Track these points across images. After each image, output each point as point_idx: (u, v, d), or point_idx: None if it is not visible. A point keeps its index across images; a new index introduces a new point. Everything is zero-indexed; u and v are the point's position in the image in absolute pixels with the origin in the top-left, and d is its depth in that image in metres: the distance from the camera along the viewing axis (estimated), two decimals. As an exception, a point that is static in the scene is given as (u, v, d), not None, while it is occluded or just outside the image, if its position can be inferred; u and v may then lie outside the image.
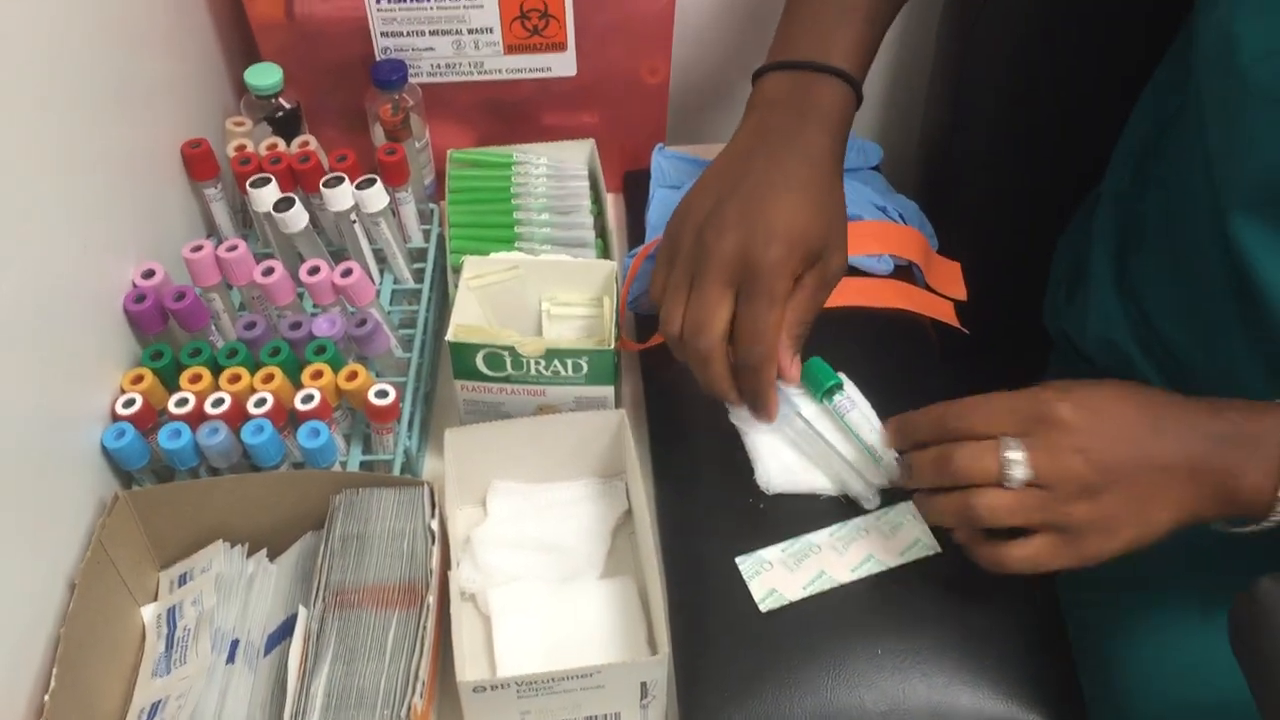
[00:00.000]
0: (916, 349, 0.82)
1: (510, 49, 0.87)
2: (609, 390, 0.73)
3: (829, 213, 0.68)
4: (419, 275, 0.84)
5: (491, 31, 0.86)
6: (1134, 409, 0.58)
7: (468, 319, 0.74)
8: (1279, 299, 0.61)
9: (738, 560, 0.68)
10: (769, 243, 0.64)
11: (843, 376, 0.72)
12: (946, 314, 0.84)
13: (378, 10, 0.84)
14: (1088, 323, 0.79)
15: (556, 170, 0.89)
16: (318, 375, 0.70)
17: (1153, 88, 0.77)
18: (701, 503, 0.72)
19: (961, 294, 0.86)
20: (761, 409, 0.70)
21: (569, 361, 0.71)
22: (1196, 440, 0.57)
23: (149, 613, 0.68)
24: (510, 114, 0.93)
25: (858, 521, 0.70)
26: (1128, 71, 0.78)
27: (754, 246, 0.64)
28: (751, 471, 0.72)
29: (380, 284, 0.83)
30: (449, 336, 0.71)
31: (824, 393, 0.72)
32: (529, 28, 0.85)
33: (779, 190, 0.67)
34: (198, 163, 0.79)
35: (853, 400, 0.72)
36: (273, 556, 0.69)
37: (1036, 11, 0.84)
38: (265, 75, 0.82)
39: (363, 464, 0.73)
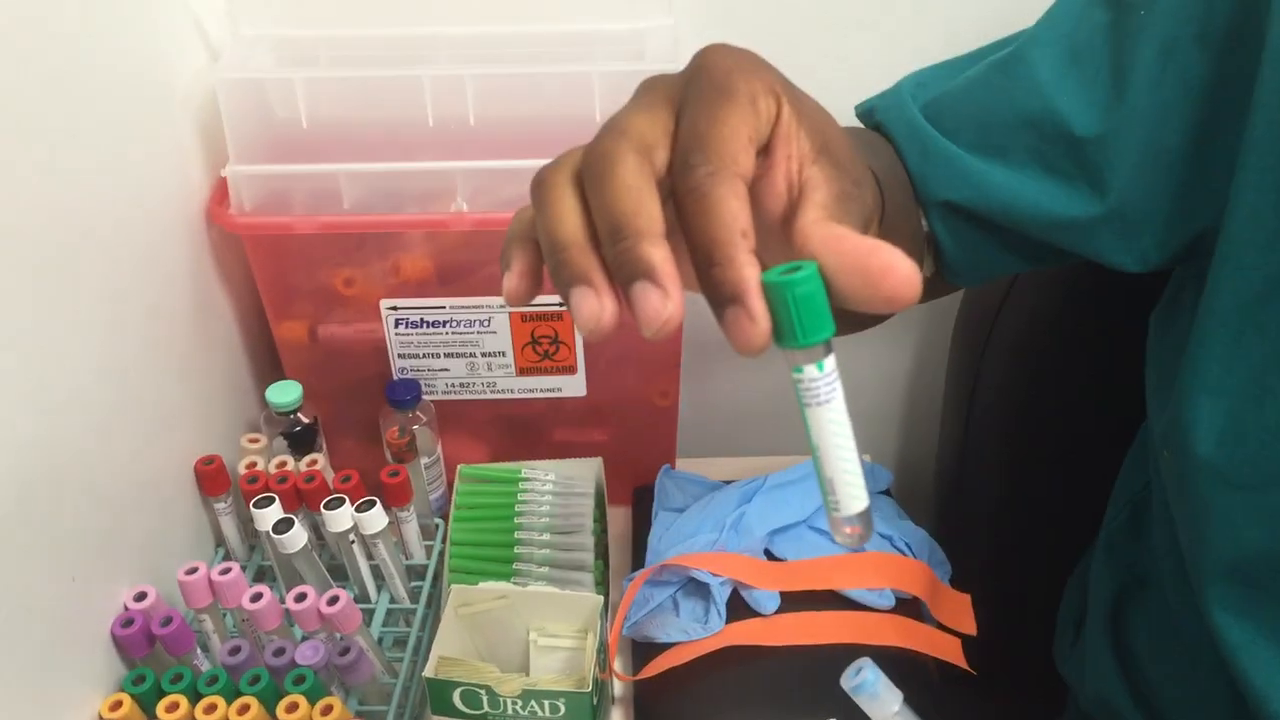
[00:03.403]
0: (914, 688, 0.79)
1: (522, 371, 0.90)
2: (587, 732, 0.71)
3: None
4: (416, 593, 0.84)
5: (504, 355, 0.89)
6: None
7: (453, 648, 0.74)
8: (1259, 683, 0.58)
9: None
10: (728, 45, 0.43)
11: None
12: (952, 653, 0.81)
13: (396, 335, 0.88)
14: (1085, 674, 0.76)
15: (564, 487, 0.90)
16: (293, 708, 0.69)
17: (1140, 442, 0.76)
18: None
19: (971, 629, 0.83)
20: (734, 289, 0.36)
21: (546, 702, 0.70)
22: None
23: None
24: (522, 430, 0.95)
25: None
26: (1132, 416, 0.78)
27: (703, 49, 0.43)
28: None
29: (377, 602, 0.83)
30: (425, 672, 0.70)
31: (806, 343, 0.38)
32: (540, 352, 0.89)
33: None
34: (209, 479, 0.82)
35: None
36: None
37: (1041, 349, 0.86)
38: (285, 393, 0.86)
39: (333, 801, 0.71)
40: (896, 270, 0.36)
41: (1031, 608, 0.88)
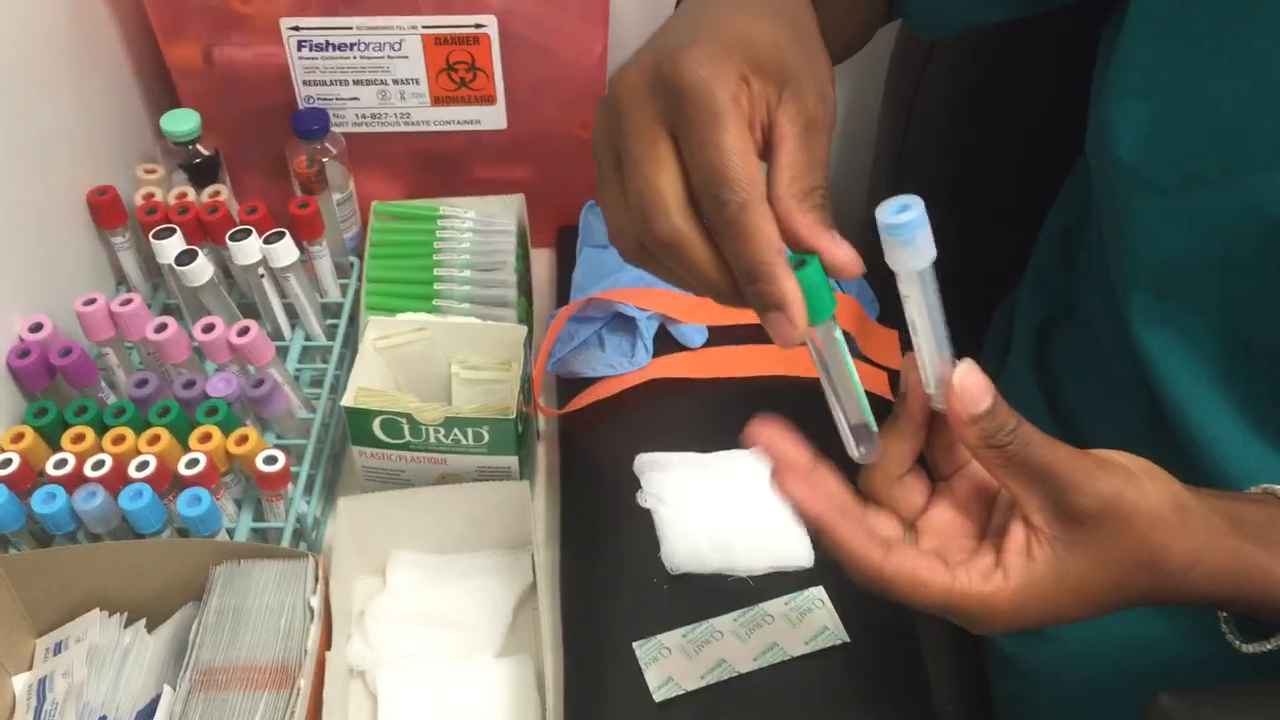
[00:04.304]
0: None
1: (438, 100, 0.85)
2: (512, 460, 0.70)
3: (788, 29, 0.47)
4: (333, 331, 0.81)
5: (418, 82, 0.83)
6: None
7: (372, 382, 0.72)
8: (1175, 392, 0.58)
9: (635, 645, 0.65)
10: (684, 48, 0.45)
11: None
12: (879, 386, 0.81)
13: (299, 59, 0.81)
14: (1009, 400, 0.77)
15: (484, 225, 0.86)
16: (206, 438, 0.67)
17: (1077, 171, 0.75)
18: (605, 580, 0.69)
19: (897, 363, 0.83)
20: (778, 300, 0.43)
21: (469, 430, 0.68)
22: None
23: (20, 683, 0.65)
24: (440, 166, 0.90)
25: (764, 606, 0.67)
26: (1066, 150, 0.76)
27: (668, 62, 0.45)
28: (659, 549, 0.69)
29: (291, 340, 0.80)
30: (344, 401, 0.68)
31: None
32: (456, 80, 0.83)
33: (702, 9, 0.49)
34: (103, 211, 0.77)
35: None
36: (153, 626, 0.66)
37: (975, 83, 0.83)
38: (181, 121, 0.80)
39: (253, 531, 0.70)
40: (844, 270, 0.45)
41: (958, 340, 0.88)
